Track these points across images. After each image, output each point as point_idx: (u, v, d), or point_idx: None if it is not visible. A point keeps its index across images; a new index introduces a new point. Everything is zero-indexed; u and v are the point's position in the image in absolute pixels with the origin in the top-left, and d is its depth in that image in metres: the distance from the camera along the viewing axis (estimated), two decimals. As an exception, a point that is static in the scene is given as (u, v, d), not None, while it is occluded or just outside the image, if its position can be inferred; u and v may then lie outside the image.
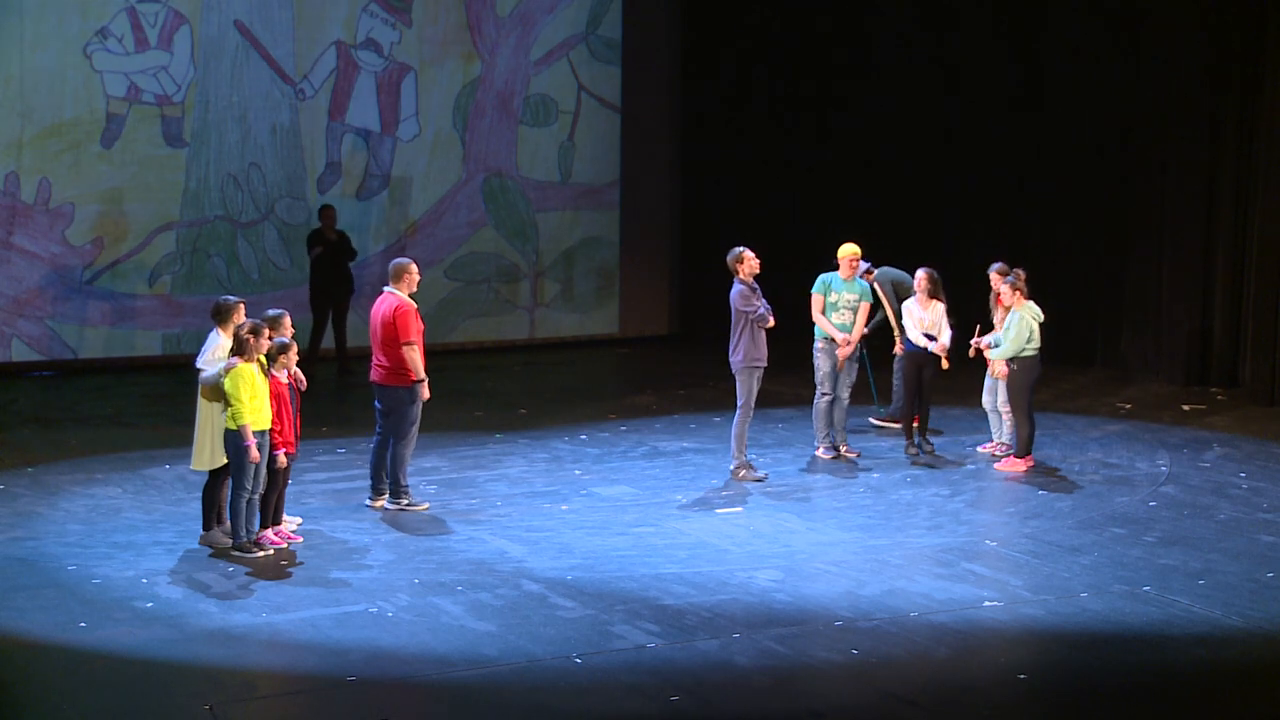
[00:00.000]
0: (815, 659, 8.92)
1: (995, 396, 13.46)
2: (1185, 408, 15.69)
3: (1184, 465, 13.31)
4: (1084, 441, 14.19)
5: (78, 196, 17.25)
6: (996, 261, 13.59)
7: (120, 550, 10.73)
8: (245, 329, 10.58)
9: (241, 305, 10.97)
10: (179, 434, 14.42)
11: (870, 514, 11.87)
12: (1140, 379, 16.97)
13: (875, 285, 14.22)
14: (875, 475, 12.98)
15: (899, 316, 13.76)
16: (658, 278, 20.26)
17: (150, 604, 9.67)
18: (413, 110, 18.64)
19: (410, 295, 11.76)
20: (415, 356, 11.60)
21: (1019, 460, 13.00)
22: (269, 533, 10.85)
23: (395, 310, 11.63)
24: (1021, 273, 13.16)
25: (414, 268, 11.83)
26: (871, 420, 14.67)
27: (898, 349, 13.81)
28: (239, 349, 10.55)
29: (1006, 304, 13.04)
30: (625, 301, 19.97)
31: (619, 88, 19.63)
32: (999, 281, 13.27)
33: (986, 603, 9.79)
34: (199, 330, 17.77)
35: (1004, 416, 13.40)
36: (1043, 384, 16.58)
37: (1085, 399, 16.16)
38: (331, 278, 17.19)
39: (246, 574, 10.26)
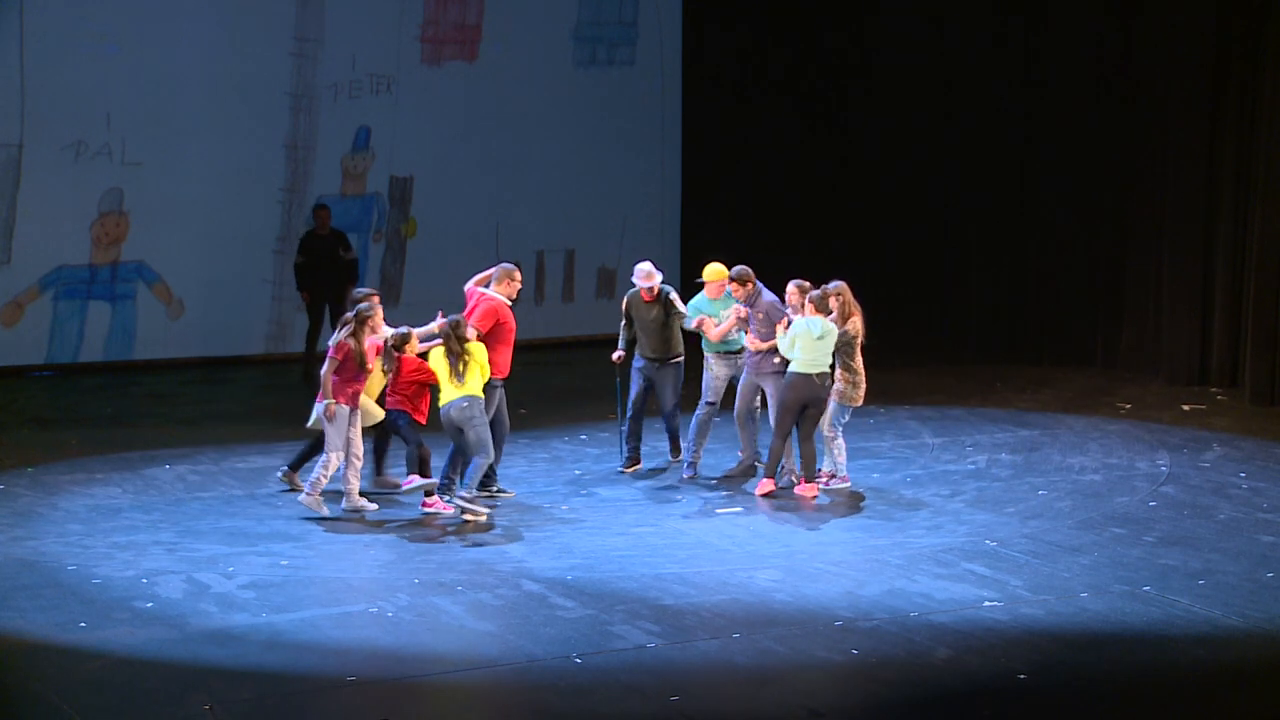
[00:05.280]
0: (815, 659, 8.92)
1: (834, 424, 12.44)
2: (1185, 408, 15.68)
3: (1184, 465, 13.30)
4: (1084, 441, 14.19)
5: (78, 196, 17.26)
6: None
7: (120, 550, 10.74)
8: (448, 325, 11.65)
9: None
10: (179, 434, 14.48)
11: (870, 514, 11.88)
12: (1140, 379, 16.96)
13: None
14: (875, 475, 12.98)
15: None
16: (658, 278, 20.25)
17: (150, 604, 9.67)
18: (413, 110, 18.64)
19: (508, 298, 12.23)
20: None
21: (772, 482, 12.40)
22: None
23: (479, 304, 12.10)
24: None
25: (517, 274, 12.33)
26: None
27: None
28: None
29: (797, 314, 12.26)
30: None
31: (620, 88, 19.63)
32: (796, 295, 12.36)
33: (986, 603, 9.79)
34: (200, 330, 17.81)
35: (829, 445, 12.51)
36: (1032, 385, 16.69)
37: (1085, 399, 16.15)
38: (323, 278, 17.08)
39: (246, 574, 10.26)
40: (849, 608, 9.66)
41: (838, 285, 12.40)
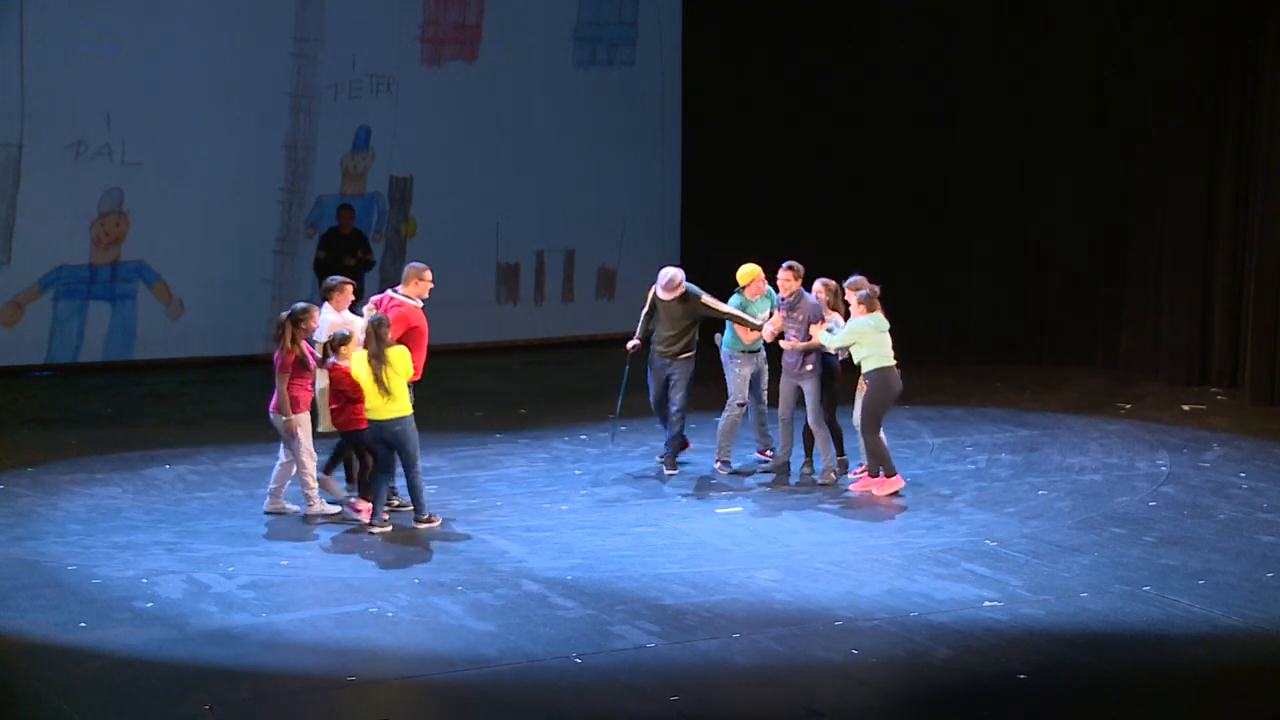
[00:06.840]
0: (815, 659, 8.92)
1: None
2: (1185, 408, 15.68)
3: (1184, 465, 13.30)
4: (1084, 441, 14.19)
5: (78, 196, 17.25)
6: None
7: (120, 550, 10.74)
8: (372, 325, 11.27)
9: (349, 285, 12.01)
10: (179, 434, 14.48)
11: (870, 514, 11.88)
12: (1140, 379, 16.96)
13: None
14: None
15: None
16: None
17: (150, 604, 9.68)
18: (413, 110, 18.64)
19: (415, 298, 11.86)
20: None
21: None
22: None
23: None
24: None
25: (427, 274, 11.93)
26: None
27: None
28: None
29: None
30: (625, 301, 19.95)
31: (620, 88, 19.63)
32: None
33: (986, 603, 9.79)
34: (200, 330, 17.81)
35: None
36: (1032, 385, 16.70)
37: (1085, 399, 16.15)
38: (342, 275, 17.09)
39: (246, 574, 10.27)
40: (849, 608, 9.66)
41: (857, 280, 12.56)
